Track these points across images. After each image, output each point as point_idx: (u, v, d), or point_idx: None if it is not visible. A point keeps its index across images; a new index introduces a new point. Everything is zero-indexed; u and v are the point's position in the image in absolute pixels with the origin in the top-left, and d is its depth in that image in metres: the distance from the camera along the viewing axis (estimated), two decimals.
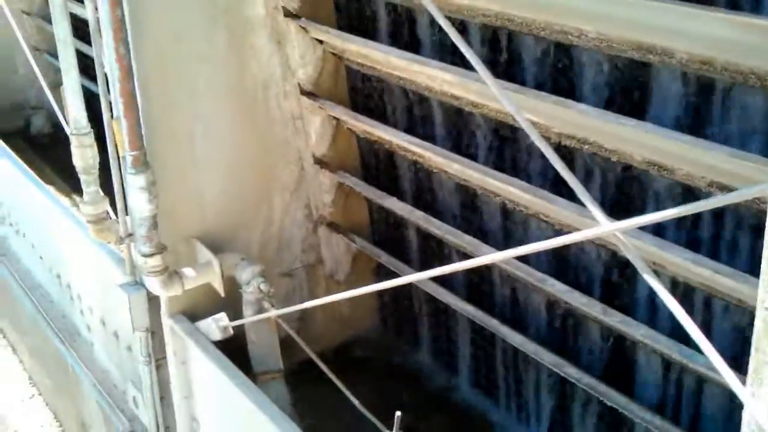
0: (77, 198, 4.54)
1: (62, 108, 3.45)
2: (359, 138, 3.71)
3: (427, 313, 3.93)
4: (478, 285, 3.50)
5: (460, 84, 2.75)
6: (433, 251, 3.67)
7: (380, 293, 4.21)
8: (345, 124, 3.61)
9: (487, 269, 3.35)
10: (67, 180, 6.13)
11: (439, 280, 3.60)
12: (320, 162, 3.67)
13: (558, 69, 2.60)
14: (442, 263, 3.65)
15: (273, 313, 3.13)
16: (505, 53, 2.75)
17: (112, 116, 3.09)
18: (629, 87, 2.43)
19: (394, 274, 3.85)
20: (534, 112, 2.49)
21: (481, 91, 2.70)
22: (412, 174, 3.55)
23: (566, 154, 2.57)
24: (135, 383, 4.13)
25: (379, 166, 3.72)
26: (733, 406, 2.62)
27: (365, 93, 3.57)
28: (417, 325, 4.04)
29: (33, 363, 6.15)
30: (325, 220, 3.83)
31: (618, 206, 2.60)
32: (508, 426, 3.68)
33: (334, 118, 3.60)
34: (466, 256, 3.46)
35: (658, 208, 2.51)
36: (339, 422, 3.68)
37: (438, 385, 3.95)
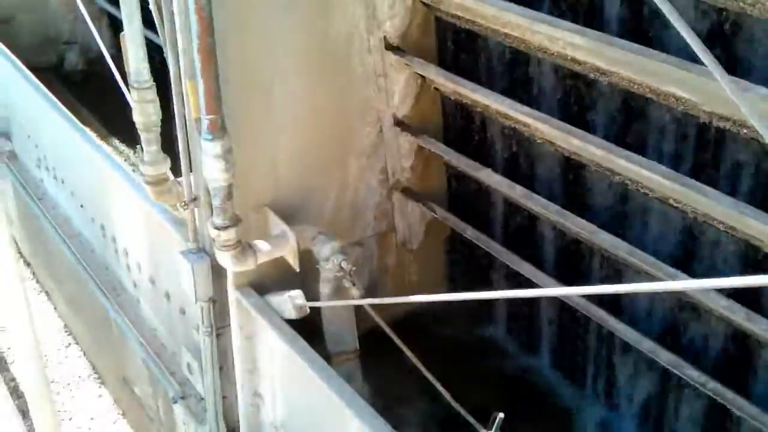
0: (131, 153, 4.26)
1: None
2: (445, 100, 3.36)
3: (505, 287, 3.65)
4: (571, 264, 3.21)
5: (593, 49, 2.39)
6: (522, 226, 3.36)
7: (452, 261, 3.94)
8: (432, 84, 3.26)
9: (588, 249, 3.04)
10: (105, 123, 5.83)
11: (523, 253, 3.31)
12: (401, 124, 3.34)
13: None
14: (531, 239, 3.37)
15: (360, 301, 2.86)
16: None
17: (180, 73, 2.77)
18: None
19: (467, 246, 3.58)
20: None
21: (616, 57, 2.35)
22: (504, 141, 3.22)
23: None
24: (189, 348, 3.92)
25: (465, 132, 3.38)
26: None
27: (458, 49, 3.21)
28: (491, 301, 3.77)
29: (70, 312, 5.95)
30: (400, 185, 3.52)
31: None
32: (587, 411, 3.45)
33: (420, 76, 3.25)
34: (561, 234, 3.16)
35: None
36: (411, 401, 3.48)
37: (511, 363, 3.71)
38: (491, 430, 2.72)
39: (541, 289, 2.19)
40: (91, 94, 6.23)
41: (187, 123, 2.99)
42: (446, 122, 3.46)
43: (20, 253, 6.72)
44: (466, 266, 3.85)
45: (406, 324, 3.88)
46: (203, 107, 2.60)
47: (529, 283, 3.33)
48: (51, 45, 6.73)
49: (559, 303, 3.28)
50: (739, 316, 2.36)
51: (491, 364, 3.68)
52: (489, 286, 3.76)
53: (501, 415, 2.64)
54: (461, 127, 3.41)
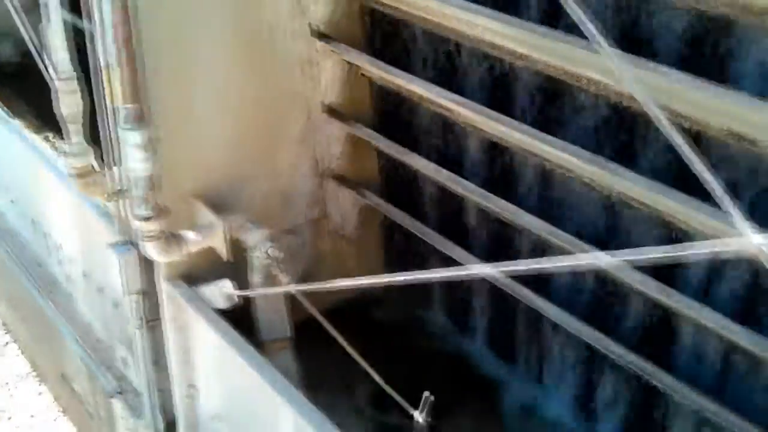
0: (59, 145, 4.17)
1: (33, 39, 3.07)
2: (373, 86, 3.37)
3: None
4: (500, 247, 3.25)
5: (510, 34, 2.42)
6: (451, 209, 3.39)
7: (388, 248, 3.95)
8: (359, 70, 3.26)
9: (515, 231, 3.08)
10: (41, 117, 5.70)
11: (456, 238, 3.35)
12: (329, 110, 3.34)
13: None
14: (460, 222, 3.40)
15: (288, 288, 2.85)
16: None
17: (101, 63, 2.73)
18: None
19: (403, 231, 3.60)
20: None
21: (534, 43, 2.38)
22: (431, 127, 3.24)
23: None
24: (123, 342, 3.88)
25: (394, 118, 3.39)
26: None
27: (384, 36, 3.21)
28: (428, 283, 3.79)
29: (7, 310, 5.83)
30: (332, 172, 3.52)
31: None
32: (522, 389, 3.50)
33: (347, 62, 3.25)
34: (490, 218, 3.20)
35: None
36: (347, 387, 3.49)
37: (450, 345, 3.75)
38: (421, 410, 2.78)
39: (459, 268, 2.22)
40: (26, 86, 6.07)
41: (111, 114, 2.95)
42: (376, 108, 3.46)
43: None
44: (404, 251, 3.86)
45: (346, 311, 3.91)
46: (122, 96, 2.57)
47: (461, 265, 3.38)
48: None
49: (490, 285, 3.31)
50: (653, 289, 2.42)
51: (428, 346, 3.71)
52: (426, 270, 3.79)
53: (430, 396, 2.69)
54: (391, 114, 3.42)
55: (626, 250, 1.50)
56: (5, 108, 4.78)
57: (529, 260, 1.79)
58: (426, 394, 2.76)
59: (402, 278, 2.30)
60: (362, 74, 3.30)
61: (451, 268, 2.04)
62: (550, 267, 1.65)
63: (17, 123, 4.63)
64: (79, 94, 3.04)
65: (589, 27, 1.28)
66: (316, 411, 2.68)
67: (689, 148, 1.31)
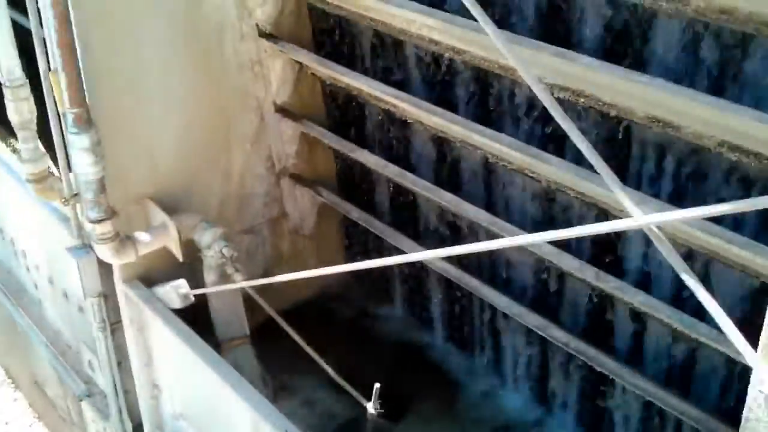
0: (17, 148, 4.20)
1: None
2: (324, 85, 3.42)
3: (399, 268, 3.74)
4: (454, 242, 3.30)
5: (443, 29, 2.48)
6: (404, 204, 3.44)
7: (347, 247, 4.00)
8: (308, 70, 3.31)
9: (468, 227, 3.14)
10: (3, 123, 5.72)
11: (413, 234, 3.40)
12: (282, 110, 3.39)
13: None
14: (413, 216, 3.46)
15: (239, 285, 2.89)
16: None
17: (49, 68, 2.76)
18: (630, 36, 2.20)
19: (361, 228, 3.65)
20: (534, 66, 2.25)
21: (466, 37, 2.44)
22: (381, 124, 3.29)
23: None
24: (89, 345, 3.90)
25: (345, 115, 3.44)
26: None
27: (331, 35, 3.26)
28: (388, 280, 3.85)
29: None
30: (287, 171, 3.57)
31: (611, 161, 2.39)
32: (482, 383, 3.55)
33: (297, 62, 3.30)
34: (442, 211, 3.26)
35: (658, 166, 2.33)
36: (307, 383, 3.54)
37: (410, 340, 3.80)
38: (372, 400, 2.84)
39: (402, 256, 2.28)
40: None
41: (61, 119, 2.98)
42: (327, 106, 3.51)
43: None
44: (362, 248, 3.91)
45: (306, 308, 3.96)
46: (67, 100, 2.61)
47: (420, 264, 3.43)
48: None
49: (444, 279, 3.36)
50: (589, 275, 2.48)
51: (387, 341, 3.76)
52: (388, 267, 3.85)
53: (377, 385, 2.75)
54: (341, 111, 3.47)
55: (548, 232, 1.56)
56: None
57: (470, 245, 1.86)
58: (377, 385, 2.81)
59: (349, 268, 2.37)
60: (312, 73, 3.35)
61: (398, 257, 2.11)
62: (483, 248, 1.71)
63: None
64: (31, 101, 3.07)
65: (480, 14, 1.33)
66: (272, 407, 2.72)
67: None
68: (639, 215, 1.29)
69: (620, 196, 1.28)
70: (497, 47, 1.42)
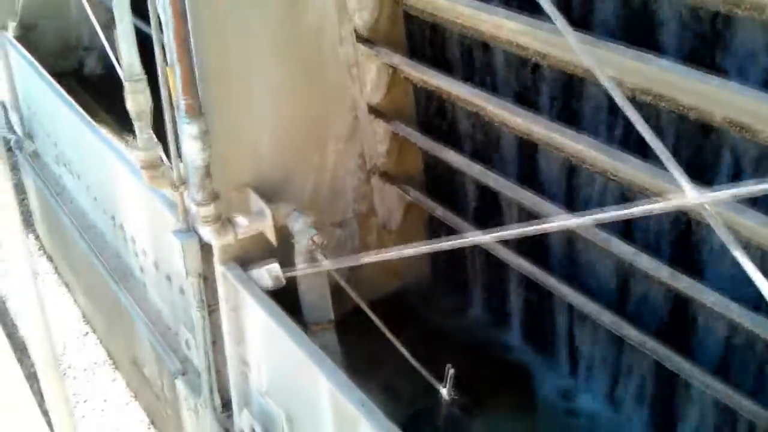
0: (131, 141, 4.54)
1: (115, 50, 3.41)
2: (416, 87, 3.59)
3: (480, 266, 3.86)
4: (534, 240, 3.40)
5: (528, 33, 2.62)
6: (489, 205, 3.57)
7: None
8: (401, 73, 3.50)
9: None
10: (121, 122, 6.13)
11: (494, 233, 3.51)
12: (375, 111, 3.58)
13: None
14: (498, 217, 3.58)
15: (325, 266, 3.09)
16: None
17: (165, 62, 3.04)
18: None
19: (446, 226, 3.79)
20: (610, 66, 2.36)
21: (550, 41, 2.56)
22: (470, 125, 3.44)
23: (640, 110, 2.43)
24: (187, 326, 4.17)
25: (435, 117, 3.61)
26: None
27: (424, 40, 3.44)
28: (468, 278, 3.97)
29: (86, 302, 6.27)
30: (378, 170, 3.76)
31: (692, 167, 2.47)
32: (558, 384, 3.63)
33: (390, 66, 3.49)
34: (524, 211, 3.37)
35: (736, 172, 2.39)
36: (387, 371, 3.69)
37: (488, 339, 3.91)
38: (445, 384, 2.97)
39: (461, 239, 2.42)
40: (108, 95, 6.53)
41: (174, 110, 3.25)
42: (419, 108, 3.69)
43: (42, 248, 7.09)
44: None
45: (386, 303, 4.12)
46: (180, 91, 2.87)
47: (500, 262, 3.54)
48: (72, 51, 7.01)
49: (525, 279, 3.47)
50: (664, 274, 2.55)
51: (465, 338, 3.88)
52: (468, 265, 3.98)
53: (450, 367, 2.88)
54: (432, 113, 3.64)
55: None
56: (89, 115, 5.19)
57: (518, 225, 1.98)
58: (449, 367, 2.93)
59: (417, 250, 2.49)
60: (404, 77, 3.53)
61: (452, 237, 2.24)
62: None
63: (99, 128, 5.03)
64: (147, 93, 3.34)
65: (553, 10, 1.47)
66: (351, 383, 2.89)
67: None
68: (692, 193, 1.40)
69: (674, 171, 1.39)
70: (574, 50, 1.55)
